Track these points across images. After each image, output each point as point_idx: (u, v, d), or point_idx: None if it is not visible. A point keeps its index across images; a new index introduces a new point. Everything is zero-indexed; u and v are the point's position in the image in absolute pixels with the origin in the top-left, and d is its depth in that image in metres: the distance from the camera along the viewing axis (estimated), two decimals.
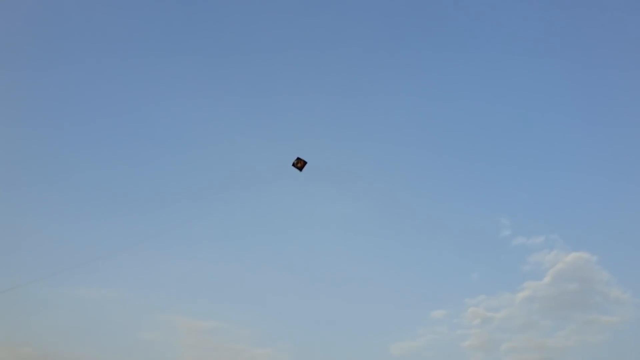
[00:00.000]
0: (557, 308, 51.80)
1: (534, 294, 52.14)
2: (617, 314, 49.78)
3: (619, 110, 60.63)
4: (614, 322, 49.57)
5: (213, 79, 67.82)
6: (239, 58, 68.06)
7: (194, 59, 67.68)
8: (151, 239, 45.94)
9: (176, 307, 51.28)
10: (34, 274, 41.20)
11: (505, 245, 54.99)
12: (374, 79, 67.75)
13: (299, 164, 38.31)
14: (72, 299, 49.71)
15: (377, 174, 61.13)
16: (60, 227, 53.65)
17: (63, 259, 49.66)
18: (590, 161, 59.90)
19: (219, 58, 68.56)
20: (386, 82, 67.33)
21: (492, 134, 63.04)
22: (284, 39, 69.83)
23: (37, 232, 52.65)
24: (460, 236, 56.75)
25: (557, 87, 63.84)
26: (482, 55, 66.01)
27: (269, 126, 65.23)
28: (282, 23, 70.34)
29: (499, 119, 63.66)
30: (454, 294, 52.93)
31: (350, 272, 55.02)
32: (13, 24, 63.44)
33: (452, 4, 68.57)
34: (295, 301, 52.41)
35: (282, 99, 65.50)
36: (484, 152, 62.43)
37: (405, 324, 51.64)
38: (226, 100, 66.78)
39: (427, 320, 51.71)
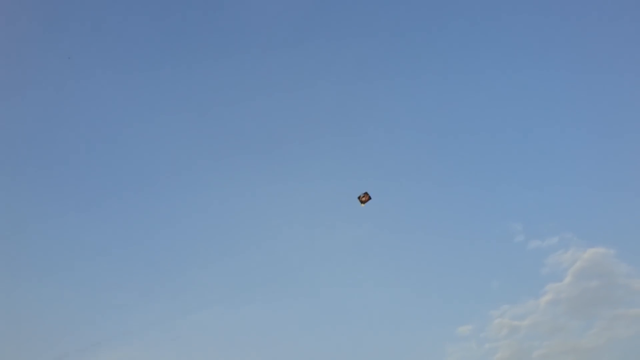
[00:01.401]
0: (583, 307, 51.18)
1: (557, 296, 51.63)
2: None
3: (626, 108, 60.85)
4: None
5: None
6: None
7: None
8: None
9: None
10: None
11: (521, 250, 54.56)
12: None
13: (364, 198, 38.63)
14: None
15: (380, 190, 60.70)
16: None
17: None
18: (595, 157, 59.74)
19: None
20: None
21: (493, 141, 62.85)
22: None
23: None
24: (474, 246, 56.23)
25: (562, 89, 64.14)
26: (486, 55, 66.25)
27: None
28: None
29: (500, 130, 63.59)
30: (477, 307, 52.22)
31: (369, 299, 54.41)
32: None
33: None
34: (311, 340, 51.75)
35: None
36: (487, 157, 62.18)
37: (433, 344, 50.82)
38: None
39: (454, 337, 50.94)
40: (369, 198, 39.16)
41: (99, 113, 66.12)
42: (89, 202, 60.64)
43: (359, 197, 39.17)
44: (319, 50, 69.22)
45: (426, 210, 59.47)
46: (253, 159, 64.35)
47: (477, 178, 60.77)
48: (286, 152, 65.07)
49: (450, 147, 62.87)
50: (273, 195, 61.65)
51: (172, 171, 63.63)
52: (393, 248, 57.84)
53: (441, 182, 61.07)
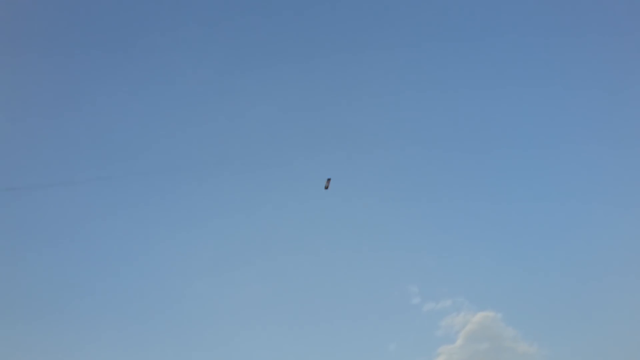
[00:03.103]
0: None
1: (450, 358, 52.88)
2: None
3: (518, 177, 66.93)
4: None
5: None
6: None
7: None
8: None
9: None
10: None
11: (417, 312, 56.02)
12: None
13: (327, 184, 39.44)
14: None
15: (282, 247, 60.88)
16: None
17: None
18: (485, 225, 64.15)
19: None
20: None
21: (396, 206, 65.73)
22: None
23: None
24: (373, 308, 56.88)
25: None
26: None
27: None
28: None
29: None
30: None
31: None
32: None
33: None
34: None
35: None
36: (387, 221, 64.65)
37: None
38: None
39: None
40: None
41: None
42: None
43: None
44: None
45: (328, 273, 59.72)
46: None
47: (377, 241, 62.65)
48: None
49: (354, 207, 64.74)
50: None
51: None
52: (295, 308, 57.10)
53: (342, 245, 62.17)
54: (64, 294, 56.02)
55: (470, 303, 55.99)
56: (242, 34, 74.77)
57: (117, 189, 62.91)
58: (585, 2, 71.74)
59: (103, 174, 61.80)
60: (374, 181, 67.33)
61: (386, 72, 73.78)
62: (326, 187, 42.66)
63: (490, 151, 68.90)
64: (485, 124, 70.94)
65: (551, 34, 72.68)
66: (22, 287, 55.59)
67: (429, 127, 71.84)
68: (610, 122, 67.74)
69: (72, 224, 61.39)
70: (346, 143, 68.79)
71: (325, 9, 75.97)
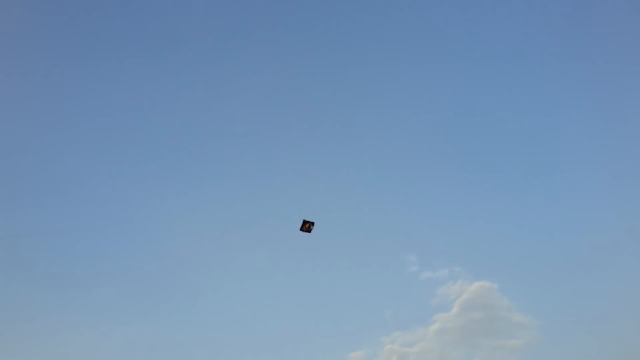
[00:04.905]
0: (467, 337, 53.74)
1: (445, 326, 53.88)
2: (521, 337, 52.73)
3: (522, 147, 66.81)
4: (519, 345, 52.29)
5: None
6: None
7: None
8: None
9: None
10: None
11: (414, 280, 56.65)
12: None
13: (307, 227, 36.98)
14: None
15: (283, 214, 61.03)
16: None
17: None
18: (483, 196, 64.29)
19: None
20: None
21: (394, 177, 65.67)
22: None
23: None
24: (371, 276, 57.47)
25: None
26: None
27: None
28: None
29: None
30: (370, 334, 53.00)
31: (261, 323, 53.40)
32: None
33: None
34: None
35: None
36: (387, 191, 64.75)
37: None
38: None
39: None
40: (310, 226, 37.91)
41: None
42: None
43: (303, 227, 37.23)
44: None
45: (327, 241, 59.68)
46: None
47: (376, 210, 62.86)
48: None
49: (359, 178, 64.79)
50: None
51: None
52: (290, 274, 57.63)
53: (344, 215, 62.33)
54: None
55: (467, 273, 56.72)
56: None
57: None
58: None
59: None
60: (373, 150, 67.02)
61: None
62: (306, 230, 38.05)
63: (493, 113, 68.29)
64: (485, 90, 69.96)
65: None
66: None
67: (433, 94, 70.79)
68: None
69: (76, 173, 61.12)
70: (345, 113, 68.15)
71: None
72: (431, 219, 62.29)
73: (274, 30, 69.45)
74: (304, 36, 70.47)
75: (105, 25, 66.92)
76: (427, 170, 66.04)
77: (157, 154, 63.77)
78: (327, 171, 64.36)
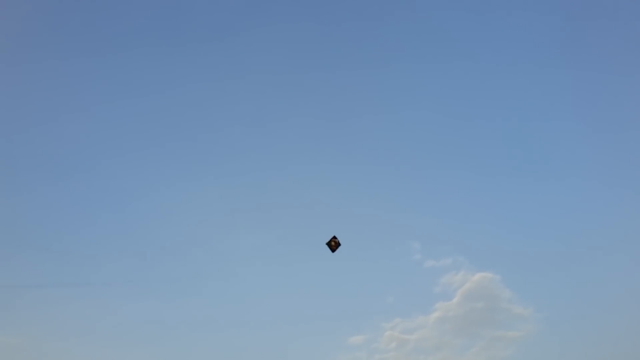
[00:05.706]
0: (467, 326, 54.18)
1: (446, 314, 54.34)
2: (521, 329, 53.10)
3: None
4: (519, 336, 52.71)
5: None
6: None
7: None
8: None
9: None
10: None
11: (417, 268, 57.05)
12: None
13: (333, 244, 37.12)
14: None
15: (288, 199, 61.53)
16: None
17: None
18: (486, 192, 64.37)
19: None
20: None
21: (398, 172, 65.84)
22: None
23: None
24: (375, 261, 57.93)
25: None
26: None
27: None
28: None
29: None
30: (371, 319, 53.64)
31: (262, 304, 54.12)
32: None
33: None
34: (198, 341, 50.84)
35: None
36: (391, 184, 64.97)
37: (325, 352, 51.32)
38: None
39: (346, 347, 51.76)
40: (335, 245, 38.22)
41: None
42: None
43: (330, 242, 38.16)
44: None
45: (332, 226, 59.94)
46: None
47: (381, 200, 63.15)
48: None
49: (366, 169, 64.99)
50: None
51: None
52: (295, 257, 58.21)
53: (351, 203, 62.74)
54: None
55: (470, 263, 56.95)
56: None
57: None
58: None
59: None
60: (380, 142, 67.08)
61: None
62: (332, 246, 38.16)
63: (493, 115, 68.09)
64: (486, 92, 69.70)
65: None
66: None
67: (436, 91, 70.54)
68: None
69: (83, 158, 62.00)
70: (350, 102, 68.17)
71: None
72: (436, 209, 62.52)
73: (275, 27, 69.12)
74: (304, 34, 70.14)
75: (105, 18, 67.31)
76: (434, 165, 65.73)
77: (171, 145, 64.22)
78: (333, 166, 64.22)
